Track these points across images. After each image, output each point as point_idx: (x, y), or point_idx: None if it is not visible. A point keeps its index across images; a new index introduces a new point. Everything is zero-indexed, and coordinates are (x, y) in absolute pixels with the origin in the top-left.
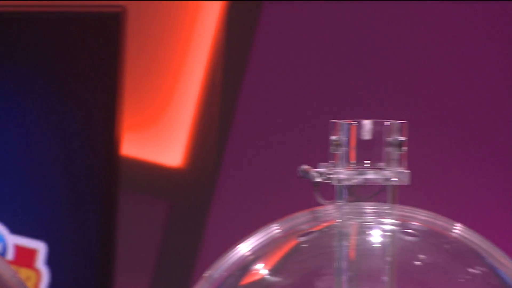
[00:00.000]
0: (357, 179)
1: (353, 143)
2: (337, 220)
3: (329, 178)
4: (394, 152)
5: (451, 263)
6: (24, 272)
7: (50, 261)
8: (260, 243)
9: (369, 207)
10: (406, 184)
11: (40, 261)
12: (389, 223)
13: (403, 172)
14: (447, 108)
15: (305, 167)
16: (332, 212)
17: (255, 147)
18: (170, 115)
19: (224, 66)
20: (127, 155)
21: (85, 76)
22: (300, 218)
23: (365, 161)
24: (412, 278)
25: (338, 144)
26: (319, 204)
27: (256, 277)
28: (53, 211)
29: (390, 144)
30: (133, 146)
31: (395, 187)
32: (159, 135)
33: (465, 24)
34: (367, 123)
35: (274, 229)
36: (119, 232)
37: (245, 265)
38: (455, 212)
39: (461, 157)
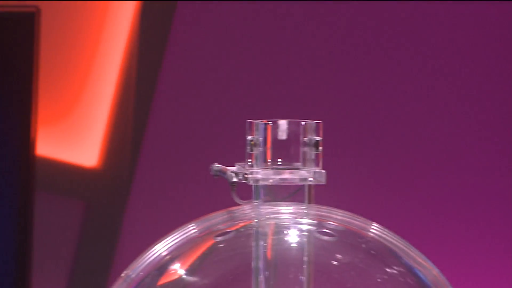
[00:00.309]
0: (274, 179)
1: (269, 143)
2: (254, 220)
3: (245, 178)
4: (310, 152)
5: (368, 262)
6: None
7: None
8: (177, 243)
9: (285, 207)
10: (322, 183)
11: None
12: (306, 223)
13: (319, 171)
14: (361, 107)
15: (221, 166)
16: (249, 212)
17: (170, 147)
18: (85, 116)
19: (138, 65)
20: (43, 156)
21: None
22: (217, 218)
23: (281, 161)
24: (330, 277)
25: (254, 144)
26: (236, 204)
27: (173, 277)
28: None
29: (306, 144)
30: (48, 146)
31: (311, 186)
32: (74, 136)
33: (383, 22)
34: (283, 123)
35: (191, 229)
36: (35, 232)
37: (162, 265)
38: (372, 211)
39: (376, 156)
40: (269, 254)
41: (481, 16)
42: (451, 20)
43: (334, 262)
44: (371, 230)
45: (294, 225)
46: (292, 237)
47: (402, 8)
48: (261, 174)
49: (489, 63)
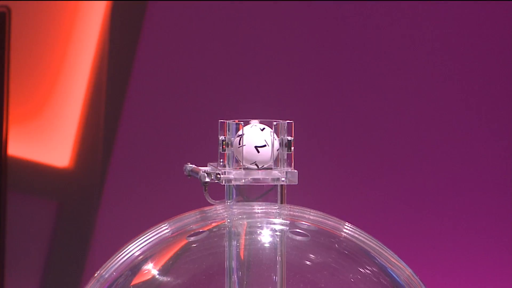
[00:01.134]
0: (246, 179)
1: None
2: (226, 220)
3: (218, 178)
4: (282, 152)
5: (341, 262)
6: None
7: None
8: (150, 243)
9: (258, 207)
10: (295, 183)
11: None
12: (278, 223)
13: (291, 172)
14: (332, 108)
15: (191, 165)
16: (221, 212)
17: (143, 147)
18: (57, 116)
19: (109, 65)
20: (14, 156)
21: None
22: (189, 218)
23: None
24: (303, 277)
25: (226, 144)
26: (209, 204)
27: (146, 277)
28: None
29: (278, 144)
30: (20, 147)
31: (284, 186)
32: (46, 136)
33: (351, 21)
34: (255, 123)
35: (164, 229)
36: (7, 233)
37: (135, 265)
38: (345, 211)
39: (349, 155)
40: (242, 254)
41: (454, 15)
42: (418, 17)
43: (307, 262)
44: (344, 230)
45: (267, 225)
46: (265, 237)
47: (368, 7)
48: (233, 174)
49: (462, 62)
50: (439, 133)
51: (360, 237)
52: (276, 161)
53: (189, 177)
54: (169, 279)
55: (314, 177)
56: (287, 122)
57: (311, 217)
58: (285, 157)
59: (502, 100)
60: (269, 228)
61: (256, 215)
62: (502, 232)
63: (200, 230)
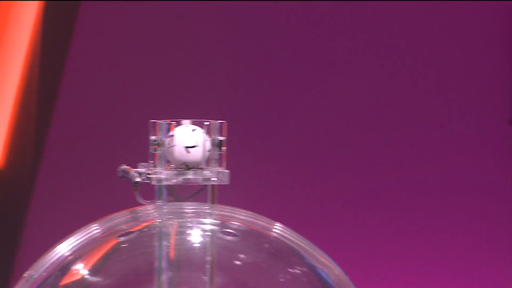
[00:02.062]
0: (177, 179)
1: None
2: (157, 220)
3: (148, 178)
4: (213, 152)
5: (271, 262)
6: None
7: None
8: (80, 243)
9: (189, 207)
10: (225, 183)
11: None
12: (209, 223)
13: (222, 172)
14: (265, 108)
15: (124, 167)
16: (152, 212)
17: (74, 147)
18: None
19: (41, 65)
20: None
21: None
22: (120, 218)
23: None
24: (232, 277)
25: (157, 144)
26: (140, 204)
27: (76, 277)
28: None
29: (210, 144)
30: None
31: (214, 186)
32: None
33: (285, 22)
34: (186, 123)
35: (94, 229)
36: None
37: (64, 265)
38: (276, 211)
39: (281, 156)
40: (172, 254)
41: (421, 17)
42: (380, 18)
43: (237, 262)
44: (274, 230)
45: (197, 225)
46: (195, 237)
47: (295, 6)
48: (164, 174)
49: (412, 63)
50: (369, 132)
51: (290, 237)
52: (208, 161)
53: (123, 178)
54: (98, 279)
55: (247, 177)
56: (219, 122)
57: (242, 217)
58: (217, 157)
59: (431, 93)
60: (199, 228)
61: (187, 215)
62: (429, 230)
63: (131, 230)
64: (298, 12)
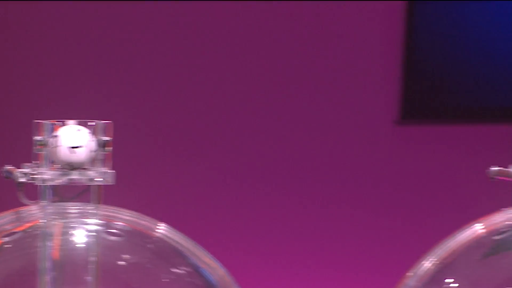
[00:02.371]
0: (61, 179)
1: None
2: (41, 220)
3: (33, 178)
4: (99, 152)
5: (155, 262)
6: None
7: None
8: None
9: (73, 207)
10: (110, 184)
11: None
12: (93, 223)
13: (107, 172)
14: (154, 108)
15: (9, 167)
16: (36, 212)
17: None
18: None
19: None
20: None
21: None
22: (4, 219)
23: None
24: (116, 278)
25: (42, 144)
26: (23, 204)
27: None
28: None
29: (95, 145)
30: None
31: (99, 187)
32: None
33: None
34: (71, 123)
35: None
36: None
37: None
38: (161, 212)
39: (166, 156)
40: (55, 254)
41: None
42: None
43: (121, 262)
44: (158, 230)
45: (81, 225)
46: (79, 238)
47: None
48: (48, 175)
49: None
50: (244, 132)
51: (174, 238)
52: (93, 161)
53: (7, 178)
54: None
55: (132, 178)
56: (105, 123)
57: (126, 217)
58: (102, 157)
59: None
60: (84, 228)
61: (71, 215)
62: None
63: (14, 231)
64: (167, 12)
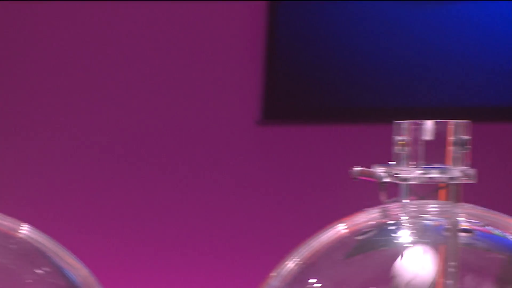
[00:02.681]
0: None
1: None
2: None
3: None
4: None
5: (17, 263)
6: None
7: None
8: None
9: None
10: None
11: None
12: None
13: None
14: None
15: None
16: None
17: None
18: None
19: None
20: None
21: None
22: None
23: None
24: None
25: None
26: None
27: None
28: None
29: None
30: None
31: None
32: None
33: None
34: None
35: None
36: None
37: None
38: (24, 212)
39: (30, 157)
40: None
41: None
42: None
43: None
44: (21, 231)
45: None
46: None
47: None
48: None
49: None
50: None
51: (37, 238)
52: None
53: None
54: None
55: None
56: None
57: None
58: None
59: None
60: None
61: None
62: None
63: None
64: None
